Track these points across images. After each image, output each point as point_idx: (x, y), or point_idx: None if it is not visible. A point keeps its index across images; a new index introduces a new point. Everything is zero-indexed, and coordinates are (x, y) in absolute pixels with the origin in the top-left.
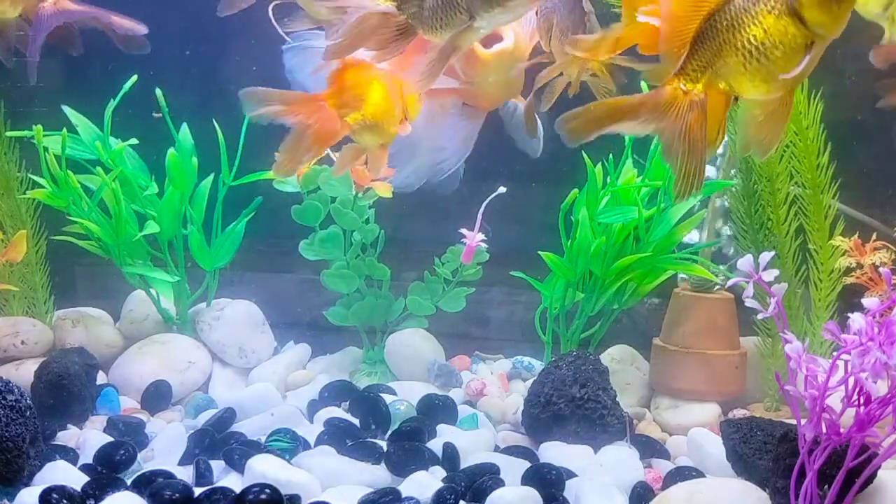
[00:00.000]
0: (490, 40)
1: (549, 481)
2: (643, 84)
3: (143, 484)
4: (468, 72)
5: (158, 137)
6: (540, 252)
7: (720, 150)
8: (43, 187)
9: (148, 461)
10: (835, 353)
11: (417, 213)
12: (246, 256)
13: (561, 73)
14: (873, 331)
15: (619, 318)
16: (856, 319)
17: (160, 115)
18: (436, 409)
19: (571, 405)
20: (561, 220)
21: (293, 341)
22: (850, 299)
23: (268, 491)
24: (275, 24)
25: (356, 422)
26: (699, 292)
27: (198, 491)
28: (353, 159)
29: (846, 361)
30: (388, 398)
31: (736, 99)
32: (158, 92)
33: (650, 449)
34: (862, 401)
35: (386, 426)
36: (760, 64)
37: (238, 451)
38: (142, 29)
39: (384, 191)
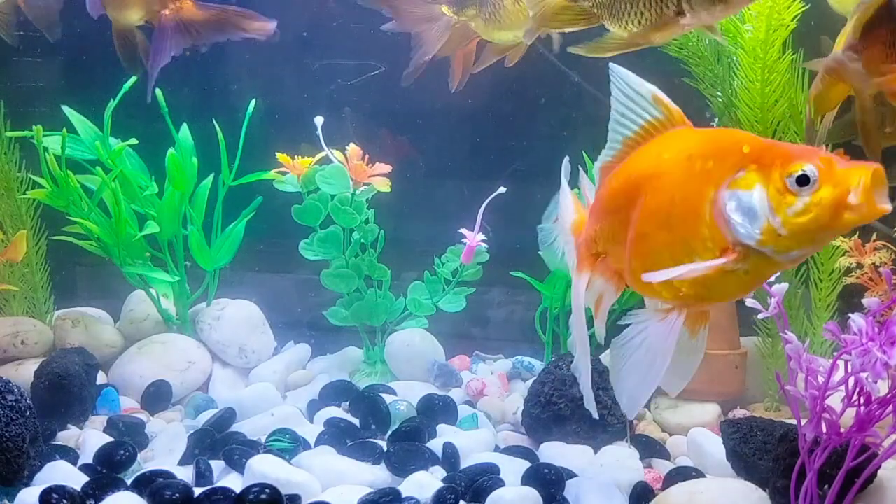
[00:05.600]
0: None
1: (549, 481)
2: None
3: (143, 484)
4: None
5: (158, 137)
6: (540, 252)
7: None
8: (43, 187)
9: (148, 461)
10: (835, 354)
11: (417, 213)
12: (246, 256)
13: None
14: (873, 331)
15: (619, 319)
16: (856, 320)
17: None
18: (436, 409)
19: (571, 405)
20: None
21: (293, 341)
22: (850, 299)
23: (268, 491)
24: None
25: (356, 422)
26: None
27: (198, 491)
28: None
29: (846, 361)
30: (388, 398)
31: None
32: (158, 92)
33: (650, 449)
34: (862, 401)
35: (386, 426)
36: None
37: (238, 451)
38: (271, 27)
39: (382, 186)
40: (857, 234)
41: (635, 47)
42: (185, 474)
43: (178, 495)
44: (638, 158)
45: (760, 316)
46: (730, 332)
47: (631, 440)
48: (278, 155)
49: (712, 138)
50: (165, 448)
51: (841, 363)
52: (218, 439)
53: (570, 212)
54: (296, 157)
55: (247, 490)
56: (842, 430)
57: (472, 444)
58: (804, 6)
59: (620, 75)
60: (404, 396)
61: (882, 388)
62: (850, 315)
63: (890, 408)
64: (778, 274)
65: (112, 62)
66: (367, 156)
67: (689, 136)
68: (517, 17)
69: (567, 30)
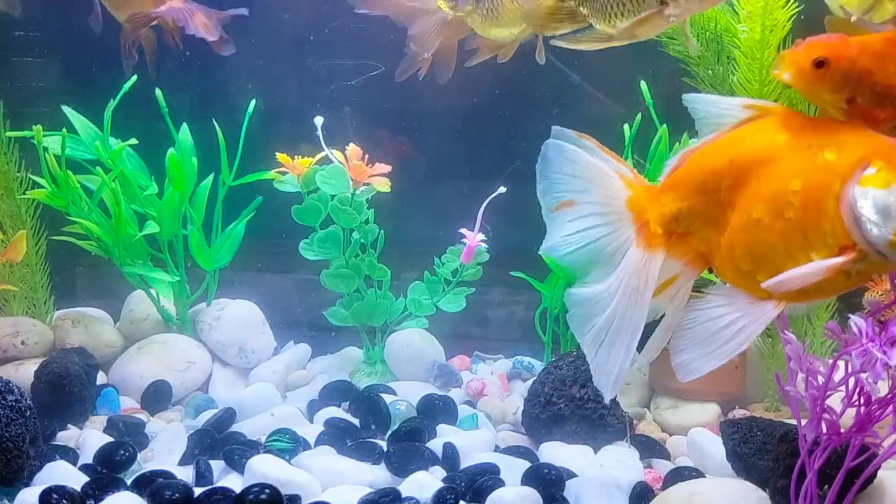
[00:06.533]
0: None
1: (549, 481)
2: None
3: (143, 484)
4: None
5: (158, 137)
6: (540, 252)
7: None
8: (43, 187)
9: (148, 461)
10: (835, 354)
11: (417, 213)
12: (246, 256)
13: None
14: (874, 331)
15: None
16: (856, 320)
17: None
18: (436, 409)
19: (571, 405)
20: None
21: (293, 341)
22: (850, 299)
23: (268, 491)
24: None
25: (356, 422)
26: (698, 291)
27: (198, 491)
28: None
29: (846, 362)
30: (388, 398)
31: None
32: (158, 92)
33: (650, 449)
34: (862, 401)
35: (386, 426)
36: None
37: (238, 451)
38: (213, 36)
39: (382, 186)
40: None
41: (617, 42)
42: (185, 474)
43: (178, 495)
44: (743, 139)
45: None
46: None
47: (631, 440)
48: (278, 155)
49: (831, 128)
50: (165, 448)
51: (841, 363)
52: (218, 439)
53: (619, 186)
54: (296, 157)
55: (247, 490)
56: (842, 430)
57: (472, 444)
58: (798, 6)
59: (700, 98)
60: (404, 396)
61: (882, 388)
62: (850, 315)
63: (890, 408)
64: None
65: (112, 62)
66: (366, 156)
67: (803, 123)
68: (515, 14)
69: (559, 32)
